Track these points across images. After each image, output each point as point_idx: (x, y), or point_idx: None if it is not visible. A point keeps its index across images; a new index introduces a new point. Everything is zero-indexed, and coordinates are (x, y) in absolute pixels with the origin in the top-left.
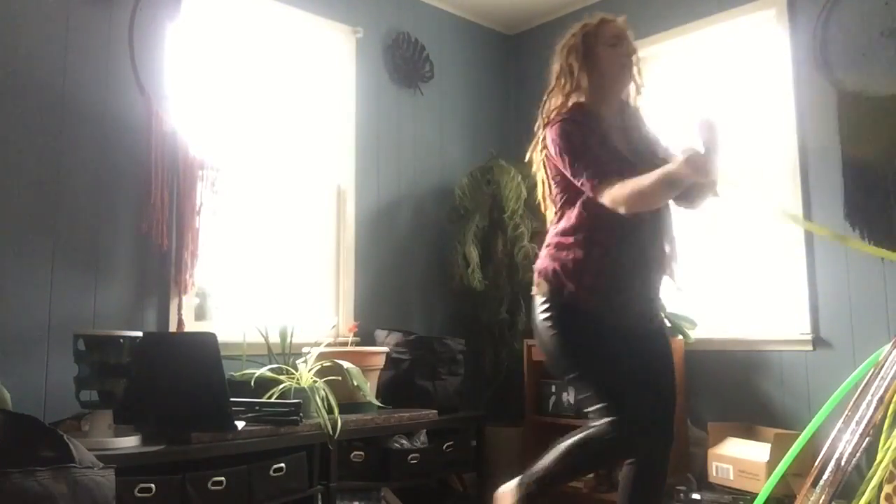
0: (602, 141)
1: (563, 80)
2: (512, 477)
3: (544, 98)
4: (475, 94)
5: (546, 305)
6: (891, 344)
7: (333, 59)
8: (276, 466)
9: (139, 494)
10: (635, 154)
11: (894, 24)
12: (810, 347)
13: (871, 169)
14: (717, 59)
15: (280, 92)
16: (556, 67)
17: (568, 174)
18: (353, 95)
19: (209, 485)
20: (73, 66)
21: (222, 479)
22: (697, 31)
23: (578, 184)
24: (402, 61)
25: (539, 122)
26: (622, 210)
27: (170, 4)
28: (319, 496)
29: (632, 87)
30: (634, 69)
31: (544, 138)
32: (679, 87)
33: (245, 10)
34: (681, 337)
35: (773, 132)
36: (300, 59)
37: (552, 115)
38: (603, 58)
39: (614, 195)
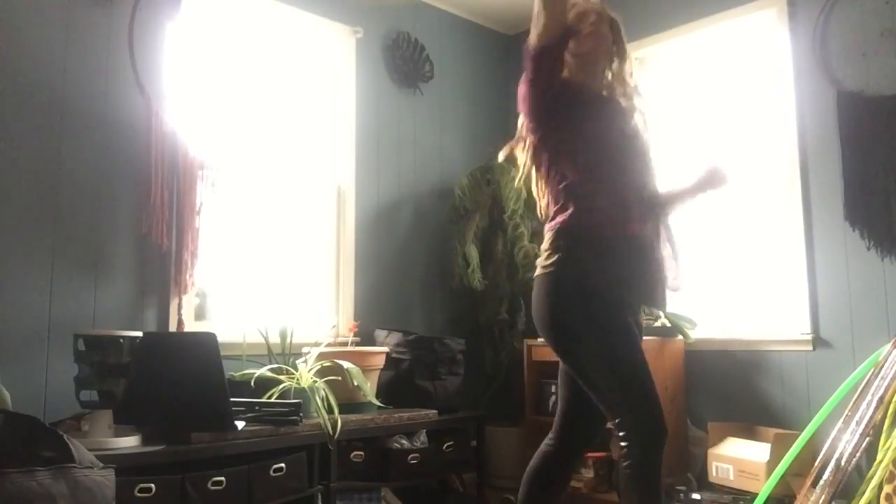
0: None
1: None
2: (512, 477)
3: None
4: (475, 94)
5: None
6: (891, 344)
7: (333, 59)
8: (276, 466)
9: (139, 494)
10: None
11: (894, 24)
12: (810, 347)
13: (871, 169)
14: (718, 59)
15: (280, 92)
16: None
17: None
18: (353, 95)
19: (209, 485)
20: (73, 66)
21: (222, 479)
22: (697, 31)
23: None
24: (402, 61)
25: None
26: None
27: (170, 4)
28: (319, 496)
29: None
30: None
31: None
32: (679, 88)
33: (245, 10)
34: (681, 337)
35: (773, 132)
36: (300, 60)
37: None
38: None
39: None
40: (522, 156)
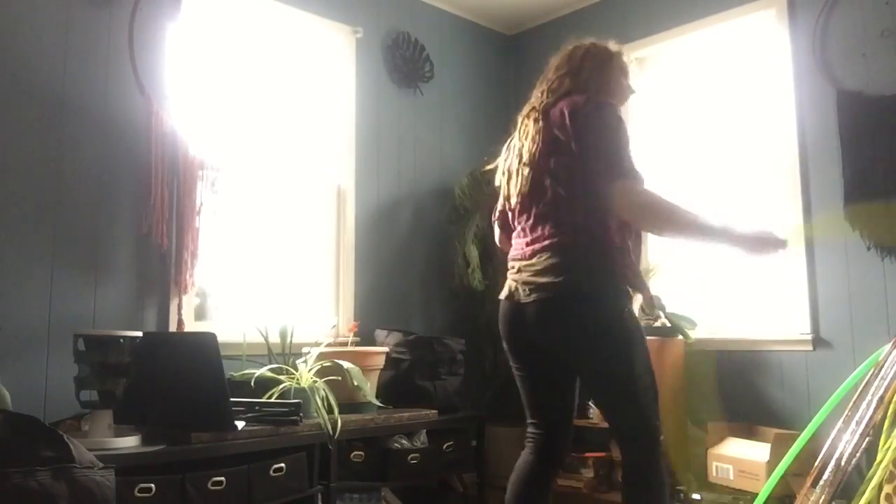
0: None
1: (568, 81)
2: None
3: (544, 87)
4: (475, 94)
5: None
6: (891, 344)
7: (333, 59)
8: (276, 466)
9: (139, 494)
10: None
11: (894, 24)
12: (810, 347)
13: (870, 169)
14: (717, 59)
15: (280, 92)
16: (562, 65)
17: (600, 159)
18: (353, 95)
19: (209, 485)
20: (73, 66)
21: (222, 479)
22: (697, 31)
23: (610, 174)
24: (402, 61)
25: (532, 111)
26: (638, 217)
27: (170, 4)
28: (319, 496)
29: None
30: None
31: (568, 117)
32: (679, 88)
33: (245, 10)
34: (681, 337)
35: (773, 132)
36: (300, 60)
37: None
38: (615, 81)
39: (651, 202)
40: (534, 128)
